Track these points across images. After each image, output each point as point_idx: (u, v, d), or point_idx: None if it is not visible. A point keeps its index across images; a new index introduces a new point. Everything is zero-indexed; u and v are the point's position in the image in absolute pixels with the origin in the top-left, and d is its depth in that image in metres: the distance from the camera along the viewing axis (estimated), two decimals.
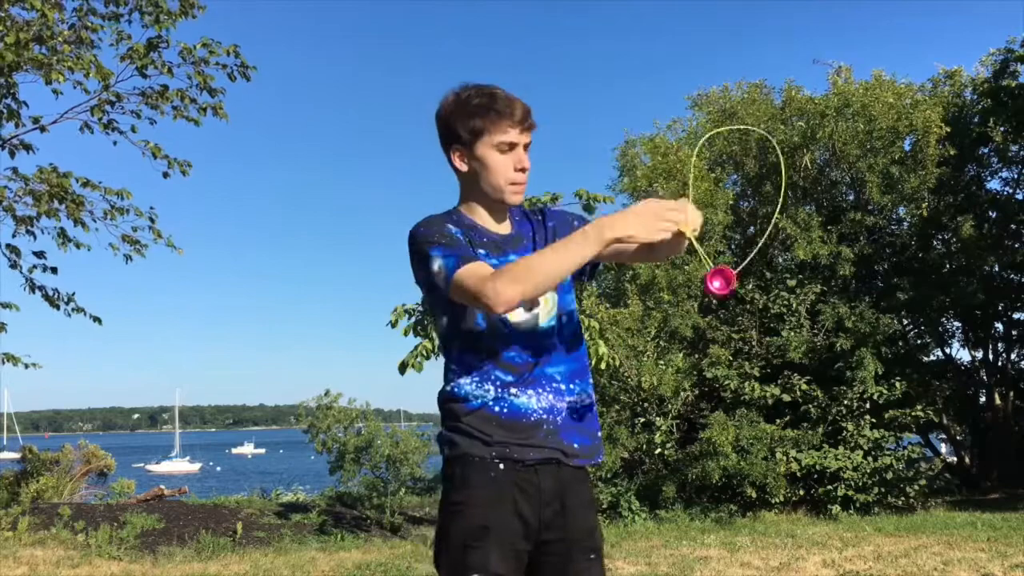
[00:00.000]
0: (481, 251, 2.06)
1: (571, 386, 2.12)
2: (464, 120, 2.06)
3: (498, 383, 2.05)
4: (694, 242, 1.91)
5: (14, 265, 8.63)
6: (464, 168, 2.11)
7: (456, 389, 2.07)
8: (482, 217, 2.14)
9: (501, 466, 2.02)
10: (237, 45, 8.20)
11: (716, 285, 1.90)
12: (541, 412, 2.06)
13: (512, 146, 2.06)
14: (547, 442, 2.05)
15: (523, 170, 2.08)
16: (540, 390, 2.07)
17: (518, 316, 2.06)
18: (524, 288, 1.87)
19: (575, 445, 2.09)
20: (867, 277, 13.89)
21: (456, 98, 2.08)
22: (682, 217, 1.87)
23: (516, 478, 2.02)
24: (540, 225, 2.23)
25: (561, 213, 2.29)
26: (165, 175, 8.68)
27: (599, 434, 2.19)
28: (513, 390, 2.05)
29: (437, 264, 1.98)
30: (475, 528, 2.00)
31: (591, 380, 2.22)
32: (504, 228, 2.17)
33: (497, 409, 2.03)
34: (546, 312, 2.10)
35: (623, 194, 13.92)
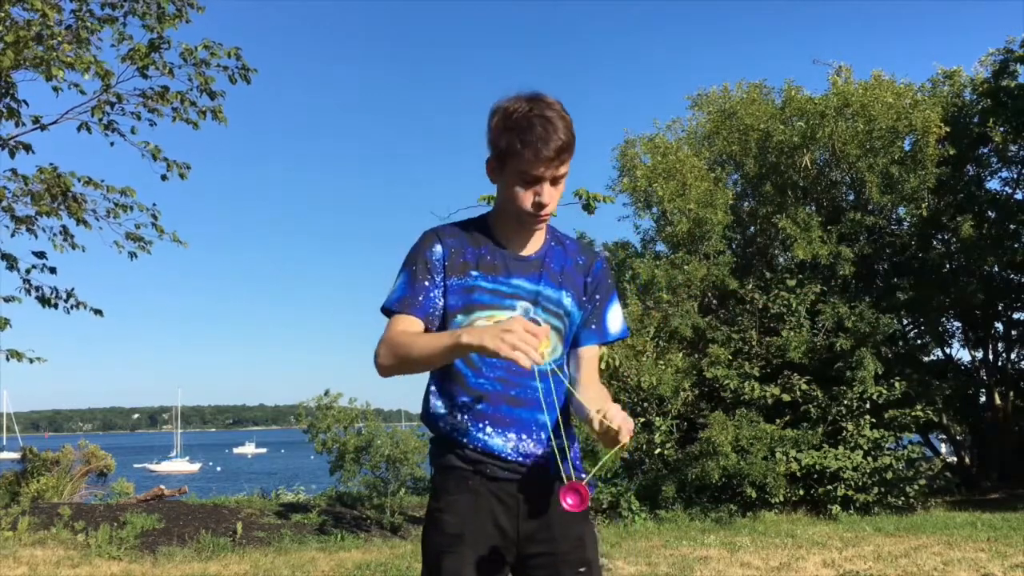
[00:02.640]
0: (475, 272, 2.03)
1: (560, 437, 2.06)
2: (499, 137, 1.96)
3: (467, 409, 2.01)
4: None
5: (11, 267, 8.62)
6: (493, 180, 2.05)
7: (432, 411, 2.06)
8: (507, 231, 2.07)
9: (478, 476, 2.01)
10: (238, 47, 8.21)
11: (569, 502, 1.79)
12: (517, 456, 2.02)
13: (536, 180, 1.95)
14: (522, 469, 2.02)
15: (540, 206, 1.97)
16: (523, 435, 2.02)
17: None
18: (393, 362, 1.95)
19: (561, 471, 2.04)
20: (867, 277, 13.89)
21: (504, 110, 1.96)
22: (531, 350, 1.71)
23: (495, 488, 2.01)
24: (577, 269, 2.10)
25: (603, 277, 2.14)
26: (164, 177, 8.68)
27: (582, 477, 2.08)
28: (488, 429, 2.01)
29: (394, 294, 2.04)
30: (450, 535, 2.00)
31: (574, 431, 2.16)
32: (529, 247, 2.08)
33: (472, 446, 2.01)
34: (546, 353, 1.97)
35: (623, 194, 13.94)
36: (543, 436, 2.02)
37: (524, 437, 2.01)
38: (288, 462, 59.15)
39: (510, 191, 1.98)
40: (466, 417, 2.01)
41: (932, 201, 13.03)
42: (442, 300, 2.03)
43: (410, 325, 1.99)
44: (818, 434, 11.65)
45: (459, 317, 2.01)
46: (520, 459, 2.01)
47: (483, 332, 1.75)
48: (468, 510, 2.00)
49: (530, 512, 2.01)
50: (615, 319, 2.14)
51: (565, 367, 2.10)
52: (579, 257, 2.12)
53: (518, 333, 1.70)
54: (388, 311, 2.03)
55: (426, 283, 2.02)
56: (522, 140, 1.91)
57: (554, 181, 1.97)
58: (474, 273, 2.03)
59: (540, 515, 2.02)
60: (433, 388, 2.07)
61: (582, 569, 2.02)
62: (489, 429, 2.00)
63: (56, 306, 8.85)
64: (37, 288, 8.77)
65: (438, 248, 2.04)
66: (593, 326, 2.10)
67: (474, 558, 1.98)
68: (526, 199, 1.97)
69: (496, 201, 2.10)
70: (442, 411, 2.04)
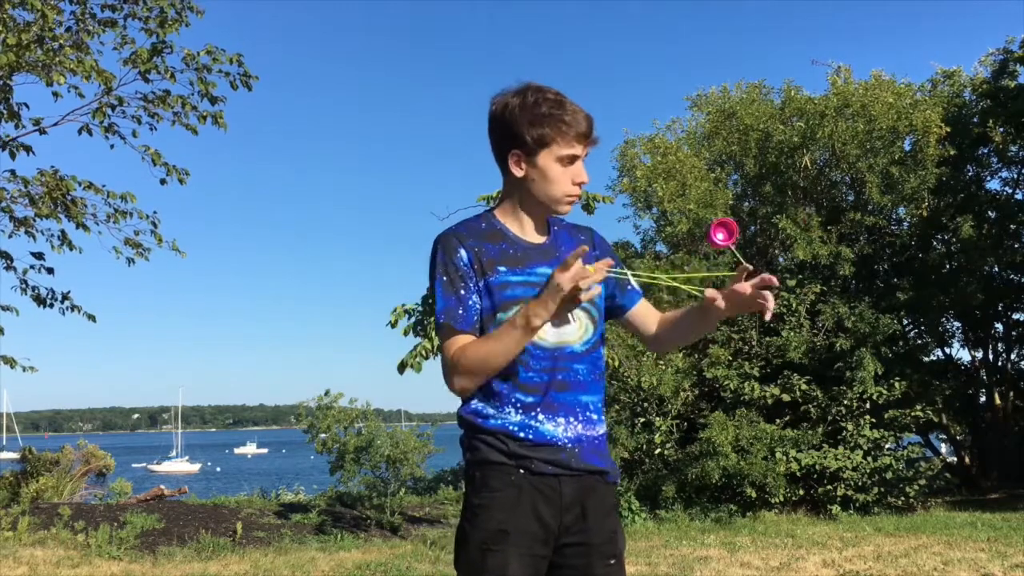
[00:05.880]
0: (502, 268, 2.03)
1: (601, 416, 2.13)
2: (530, 126, 1.99)
3: (519, 405, 2.02)
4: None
5: (8, 267, 8.63)
6: (520, 173, 2.05)
7: (475, 409, 2.05)
8: (521, 223, 2.11)
9: (521, 471, 2.01)
10: (240, 54, 8.25)
11: (720, 237, 1.94)
12: (566, 441, 2.04)
13: (574, 159, 2.02)
14: (569, 463, 2.04)
15: (581, 184, 2.05)
16: (571, 418, 2.05)
17: (545, 332, 2.02)
18: (474, 381, 2.00)
19: (596, 462, 2.09)
20: (867, 277, 13.90)
21: (522, 101, 2.00)
22: (586, 280, 1.84)
23: (537, 483, 2.01)
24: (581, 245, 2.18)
25: (605, 244, 2.26)
26: (163, 182, 8.69)
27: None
28: (540, 416, 2.02)
29: (437, 307, 2.06)
30: (493, 531, 1.98)
31: None
32: (540, 237, 2.12)
33: (522, 435, 2.01)
34: (581, 334, 2.07)
35: (623, 194, 13.96)
36: (588, 415, 2.08)
37: (572, 420, 2.05)
38: (288, 462, 59.17)
39: (548, 178, 2.03)
40: (518, 412, 2.02)
41: (932, 201, 13.04)
42: (481, 303, 2.04)
43: (464, 339, 2.02)
44: (818, 434, 11.66)
45: (499, 315, 2.02)
46: (569, 444, 2.04)
47: (542, 301, 1.86)
48: (512, 506, 1.99)
49: (569, 505, 2.03)
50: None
51: (602, 347, 2.16)
52: (579, 235, 2.21)
53: (571, 275, 1.81)
54: (439, 329, 2.05)
55: (462, 291, 2.03)
56: (563, 122, 1.99)
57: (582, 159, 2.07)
58: (501, 269, 2.04)
59: (578, 507, 2.04)
60: (479, 391, 2.05)
61: (612, 561, 2.07)
62: (541, 417, 2.02)
63: (52, 306, 8.86)
64: (33, 288, 8.78)
65: (462, 252, 2.04)
66: (629, 287, 2.23)
67: (517, 555, 1.98)
68: (566, 181, 2.04)
69: (511, 192, 2.11)
70: (490, 411, 2.03)
